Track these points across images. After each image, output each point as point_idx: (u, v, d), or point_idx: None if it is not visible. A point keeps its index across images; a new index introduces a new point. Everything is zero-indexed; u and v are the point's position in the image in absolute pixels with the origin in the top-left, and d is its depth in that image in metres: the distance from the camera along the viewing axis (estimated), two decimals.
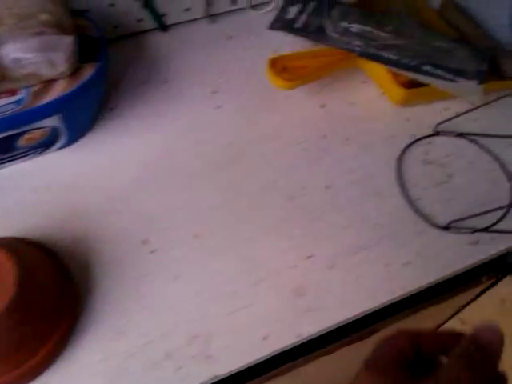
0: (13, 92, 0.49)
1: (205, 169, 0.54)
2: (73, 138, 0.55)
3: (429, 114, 0.61)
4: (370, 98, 0.62)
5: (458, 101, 0.61)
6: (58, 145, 0.54)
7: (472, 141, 0.58)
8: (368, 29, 0.59)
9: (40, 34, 0.48)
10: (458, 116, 0.59)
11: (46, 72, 0.48)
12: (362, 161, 0.56)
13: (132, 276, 0.46)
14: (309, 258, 0.49)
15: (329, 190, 0.54)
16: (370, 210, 0.52)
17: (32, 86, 0.50)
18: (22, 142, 0.51)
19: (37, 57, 0.47)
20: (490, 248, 0.50)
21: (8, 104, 0.49)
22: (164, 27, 0.66)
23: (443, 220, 0.51)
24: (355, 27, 0.60)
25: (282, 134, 0.58)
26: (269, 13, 0.69)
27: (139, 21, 0.64)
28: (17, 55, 0.47)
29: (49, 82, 0.50)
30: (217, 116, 0.59)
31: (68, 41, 0.49)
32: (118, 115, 0.58)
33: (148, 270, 0.46)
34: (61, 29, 0.50)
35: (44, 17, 0.50)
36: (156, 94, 0.60)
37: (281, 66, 0.58)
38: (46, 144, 0.53)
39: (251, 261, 0.48)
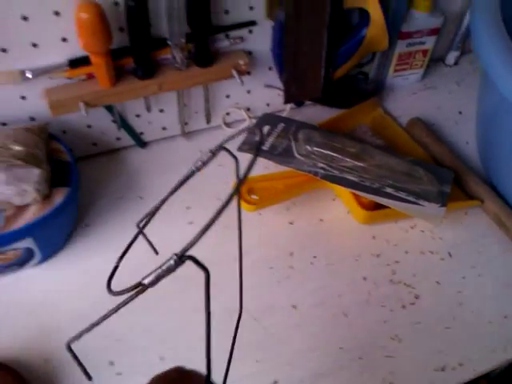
0: None
1: (172, 289, 0.55)
2: (46, 256, 0.56)
3: (395, 232, 0.62)
4: (339, 215, 0.64)
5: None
6: (31, 263, 0.55)
7: (442, 259, 0.59)
8: (331, 152, 0.62)
9: (9, 167, 0.50)
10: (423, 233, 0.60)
11: (17, 201, 0.50)
12: (329, 280, 0.56)
13: None
14: (275, 383, 0.48)
15: (295, 310, 0.54)
16: (336, 331, 0.52)
17: (4, 210, 0.51)
18: None
19: (7, 189, 0.50)
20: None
21: None
22: (142, 144, 0.69)
23: (414, 344, 0.51)
24: (318, 150, 0.62)
25: (250, 252, 0.59)
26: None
27: (118, 139, 0.67)
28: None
29: (21, 207, 0.52)
30: (189, 232, 0.60)
31: (35, 173, 0.51)
32: (93, 232, 0.60)
33: None
34: (29, 159, 0.52)
35: (15, 148, 0.52)
36: (131, 210, 0.62)
37: (247, 189, 0.60)
38: (19, 263, 0.55)
39: None
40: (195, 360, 0.47)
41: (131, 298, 0.24)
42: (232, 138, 0.30)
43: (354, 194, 0.59)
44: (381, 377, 0.50)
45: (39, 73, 0.55)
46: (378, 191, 0.58)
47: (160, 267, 0.24)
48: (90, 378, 0.27)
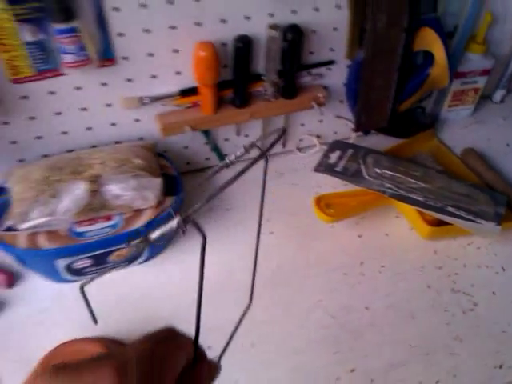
0: (108, 218, 0.61)
1: (260, 286, 0.63)
2: (152, 256, 0.66)
3: (454, 248, 0.70)
4: (402, 231, 0.72)
5: (478, 237, 0.70)
6: (139, 260, 0.65)
7: (496, 273, 0.67)
8: (398, 174, 0.71)
9: (135, 176, 0.60)
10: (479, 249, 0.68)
11: (139, 205, 0.60)
12: (397, 286, 0.64)
13: None
14: (352, 371, 0.55)
15: (368, 311, 0.61)
16: (405, 330, 0.59)
17: (125, 213, 0.61)
18: (112, 257, 0.62)
19: (133, 194, 0.60)
20: None
21: (105, 227, 0.60)
22: (226, 164, 0.79)
23: (473, 344, 0.58)
24: (387, 172, 0.71)
25: (325, 260, 0.67)
26: (313, 155, 0.82)
27: (207, 159, 0.78)
28: (117, 192, 0.60)
29: (138, 211, 0.62)
30: (270, 241, 0.70)
31: (157, 182, 0.61)
32: (187, 237, 0.69)
33: None
34: (150, 171, 0.63)
35: (137, 161, 0.63)
36: (219, 220, 0.72)
37: (324, 203, 0.69)
38: (130, 260, 0.64)
39: (300, 371, 0.55)
40: (279, 349, 0.56)
41: (138, 247, 0.27)
42: (264, 138, 0.37)
43: (419, 212, 0.68)
44: (445, 370, 0.56)
45: (154, 100, 0.66)
46: (441, 210, 0.66)
47: (165, 226, 0.27)
48: (95, 322, 0.32)
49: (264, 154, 0.30)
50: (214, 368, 0.32)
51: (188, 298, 0.61)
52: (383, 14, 0.61)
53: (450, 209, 0.66)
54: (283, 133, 0.32)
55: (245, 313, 0.40)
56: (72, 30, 0.54)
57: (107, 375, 0.24)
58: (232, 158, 0.35)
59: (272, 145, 0.30)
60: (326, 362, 0.56)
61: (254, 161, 0.30)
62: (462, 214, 0.66)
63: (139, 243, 0.28)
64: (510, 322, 0.61)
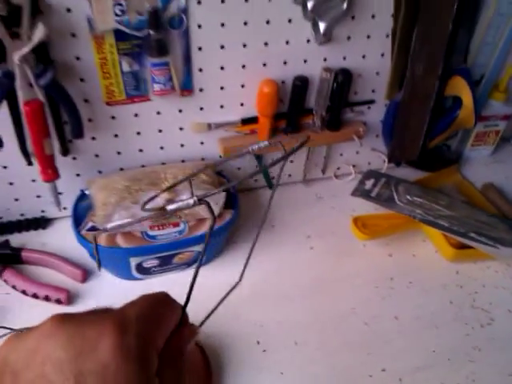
0: (175, 224, 0.71)
1: (300, 294, 0.72)
2: (209, 260, 0.75)
3: (474, 270, 0.78)
4: (428, 253, 0.80)
5: (497, 261, 0.78)
6: (196, 264, 0.74)
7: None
8: (426, 202, 0.80)
9: (204, 189, 0.71)
10: (497, 272, 0.77)
11: (204, 214, 0.70)
12: (423, 300, 0.73)
13: (248, 367, 0.62)
14: (383, 370, 0.64)
15: (397, 320, 0.70)
16: (430, 338, 0.67)
17: (189, 221, 0.71)
18: (175, 260, 0.71)
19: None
20: None
21: (173, 232, 0.70)
22: (271, 186, 0.89)
23: (490, 354, 0.66)
24: (417, 200, 0.81)
25: (359, 273, 0.76)
26: (348, 182, 0.92)
27: (255, 180, 0.88)
28: (189, 202, 0.70)
29: (200, 220, 0.72)
30: (310, 255, 0.79)
31: (221, 195, 0.71)
32: (238, 247, 0.79)
33: (260, 365, 0.62)
34: (214, 186, 0.73)
35: (204, 177, 0.73)
36: (266, 236, 0.81)
37: (361, 223, 0.79)
38: (189, 263, 0.73)
39: (337, 368, 0.63)
40: (320, 348, 0.64)
41: (155, 216, 0.35)
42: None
43: (445, 236, 0.77)
44: (464, 375, 0.64)
45: (219, 126, 0.77)
46: (465, 235, 0.75)
47: (182, 202, 0.30)
48: (99, 268, 0.38)
49: (287, 156, 0.33)
50: (194, 331, 0.34)
51: (233, 297, 0.70)
52: (421, 64, 0.72)
53: (472, 234, 0.75)
54: (307, 140, 0.37)
55: (232, 288, 0.43)
56: (164, 64, 0.65)
57: (108, 332, 0.26)
58: (255, 147, 0.42)
59: (296, 149, 0.33)
60: (359, 362, 0.64)
61: (277, 161, 0.33)
62: (482, 239, 0.75)
63: (158, 212, 0.32)
64: None
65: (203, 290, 0.72)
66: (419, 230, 0.82)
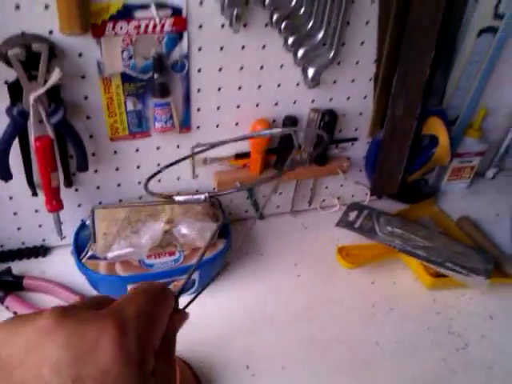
0: (171, 253, 0.75)
1: (288, 320, 0.77)
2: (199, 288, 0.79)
3: (450, 298, 0.83)
4: (408, 280, 0.86)
5: (471, 289, 0.84)
6: (191, 291, 0.78)
7: (485, 320, 0.80)
8: (405, 233, 0.86)
9: (199, 220, 0.75)
10: (471, 300, 0.82)
11: (199, 244, 0.75)
12: (403, 326, 0.78)
13: None
14: None
15: (378, 346, 0.75)
16: (409, 362, 0.72)
17: (185, 250, 0.76)
18: (171, 286, 0.75)
19: (196, 235, 0.74)
20: None
21: (169, 261, 0.74)
22: (262, 217, 0.94)
23: (466, 377, 0.71)
24: (397, 231, 0.86)
25: (343, 300, 0.81)
26: (333, 213, 0.97)
27: (246, 211, 0.93)
28: (184, 232, 0.74)
29: (195, 249, 0.76)
30: (297, 282, 0.84)
31: (215, 226, 0.76)
32: (230, 275, 0.83)
33: None
34: (209, 216, 0.78)
35: (199, 209, 0.78)
36: (254, 263, 0.86)
37: (345, 252, 0.84)
38: (183, 290, 0.77)
39: None
40: (307, 373, 0.69)
41: (159, 203, 0.35)
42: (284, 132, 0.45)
43: (423, 265, 0.82)
44: None
45: (213, 161, 0.82)
46: (441, 264, 0.81)
47: (192, 196, 0.30)
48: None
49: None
50: (184, 317, 0.34)
51: (227, 323, 0.74)
52: (401, 106, 0.79)
53: (448, 264, 0.81)
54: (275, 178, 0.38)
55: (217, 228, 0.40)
56: (166, 104, 0.70)
57: (108, 333, 0.25)
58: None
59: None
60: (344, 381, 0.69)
61: (269, 179, 0.36)
62: (457, 268, 0.80)
63: (165, 201, 0.34)
64: (494, 361, 0.74)
65: (195, 315, 0.76)
66: (399, 259, 0.87)
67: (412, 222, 0.91)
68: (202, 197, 0.30)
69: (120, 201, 0.82)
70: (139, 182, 0.81)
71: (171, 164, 0.43)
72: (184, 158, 0.42)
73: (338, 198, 0.99)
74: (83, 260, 0.73)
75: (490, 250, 0.90)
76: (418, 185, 1.02)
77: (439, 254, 0.82)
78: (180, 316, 0.34)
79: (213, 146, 0.51)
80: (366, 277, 0.86)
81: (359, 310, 0.80)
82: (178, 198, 0.31)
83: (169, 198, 0.32)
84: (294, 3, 0.64)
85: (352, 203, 0.94)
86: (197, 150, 0.45)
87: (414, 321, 0.79)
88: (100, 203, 0.81)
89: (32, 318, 0.26)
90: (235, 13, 0.62)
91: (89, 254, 0.75)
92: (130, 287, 0.62)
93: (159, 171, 0.42)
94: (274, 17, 0.64)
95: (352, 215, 0.91)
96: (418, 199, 0.99)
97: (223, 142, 0.48)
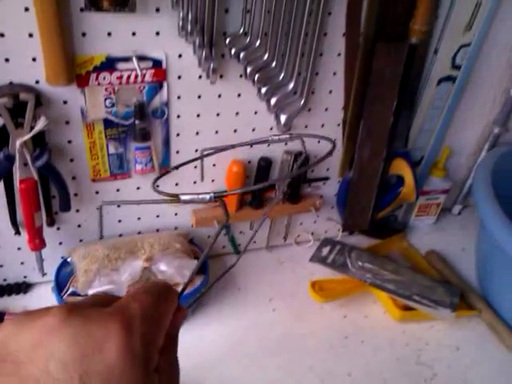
0: None
1: (264, 354, 0.79)
2: None
3: (419, 330, 0.87)
4: (378, 313, 0.90)
5: (439, 321, 0.88)
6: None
7: (452, 351, 0.84)
8: (375, 267, 0.90)
9: (177, 257, 0.79)
10: (439, 331, 0.86)
11: (177, 280, 0.78)
12: (374, 358, 0.81)
13: None
14: None
15: (349, 377, 0.78)
16: None
17: None
18: None
19: (174, 271, 0.77)
20: None
21: None
22: (238, 252, 0.97)
23: None
24: (367, 265, 0.90)
25: (317, 333, 0.84)
26: (307, 248, 1.01)
27: (223, 247, 0.96)
28: (163, 269, 0.77)
29: (176, 285, 0.79)
30: (273, 316, 0.87)
31: (193, 263, 0.79)
32: (207, 309, 0.86)
33: None
34: (187, 253, 0.81)
35: (177, 246, 0.81)
36: (232, 298, 0.89)
37: (318, 287, 0.88)
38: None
39: None
40: None
41: (165, 201, 0.33)
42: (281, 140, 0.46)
43: (392, 298, 0.86)
44: None
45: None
46: (409, 297, 0.85)
47: (198, 195, 0.30)
48: (102, 237, 0.39)
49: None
50: (184, 314, 0.34)
51: (204, 357, 0.77)
52: (367, 149, 0.84)
53: (416, 297, 0.85)
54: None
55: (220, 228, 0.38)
56: (146, 148, 0.74)
57: (114, 332, 0.26)
58: (275, 138, 0.45)
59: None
60: None
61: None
62: (424, 301, 0.85)
63: (172, 200, 0.32)
64: None
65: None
66: (370, 293, 0.91)
67: (382, 257, 0.95)
68: (208, 197, 0.31)
69: (100, 238, 0.85)
70: (119, 221, 0.84)
71: (181, 165, 0.44)
72: (192, 160, 0.45)
73: (312, 234, 1.03)
74: (64, 296, 0.76)
75: (456, 283, 0.94)
76: (387, 221, 1.07)
77: (407, 287, 0.87)
78: (180, 314, 0.34)
79: (221, 149, 0.53)
80: (339, 310, 0.89)
81: (332, 343, 0.83)
82: (183, 197, 0.32)
83: (175, 197, 0.32)
84: (266, 57, 0.69)
85: (325, 239, 0.98)
86: (205, 152, 0.48)
87: (384, 352, 0.83)
88: (81, 241, 0.84)
89: (40, 315, 0.26)
90: (211, 66, 0.67)
91: (70, 290, 0.77)
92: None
93: (167, 171, 0.43)
94: (248, 69, 0.69)
95: (325, 250, 0.95)
96: (388, 234, 1.04)
97: (232, 146, 0.51)
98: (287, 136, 0.42)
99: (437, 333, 0.87)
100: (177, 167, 0.44)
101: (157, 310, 0.29)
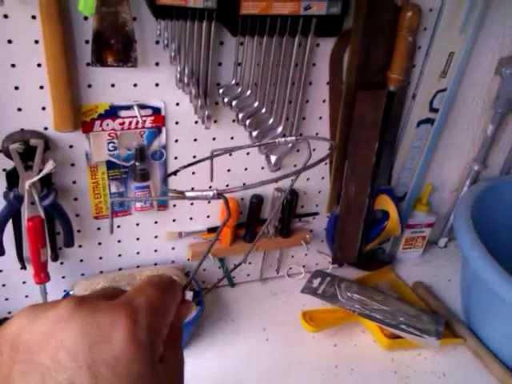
0: None
1: (257, 381, 0.83)
2: None
3: (406, 357, 0.91)
4: (367, 342, 0.93)
5: (426, 349, 0.92)
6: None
7: (438, 377, 0.88)
8: (364, 298, 0.94)
9: None
10: (426, 359, 0.90)
11: None
12: None
13: None
14: None
15: None
16: None
17: None
18: None
19: None
20: None
21: None
22: (233, 285, 1.02)
23: None
24: (356, 296, 0.95)
25: (308, 362, 0.88)
26: (299, 280, 1.06)
27: (218, 279, 1.01)
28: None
29: None
30: (266, 346, 0.90)
31: (190, 294, 0.83)
32: (200, 340, 0.89)
33: None
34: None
35: (175, 278, 0.85)
36: (226, 329, 0.93)
37: (309, 317, 0.92)
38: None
39: None
40: None
41: (172, 198, 0.36)
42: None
43: (380, 328, 0.90)
44: None
45: (188, 234, 0.91)
46: (396, 326, 0.89)
47: (202, 192, 0.32)
48: (112, 232, 0.42)
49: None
50: (189, 306, 0.36)
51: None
52: (353, 186, 0.90)
53: (403, 326, 0.89)
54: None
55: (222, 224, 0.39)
56: (145, 187, 0.80)
57: (120, 323, 0.27)
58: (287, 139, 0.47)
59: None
60: None
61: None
62: (411, 330, 0.89)
63: (177, 197, 0.33)
64: None
65: None
66: (359, 323, 0.95)
67: (370, 288, 0.99)
68: (211, 193, 0.32)
69: (101, 272, 0.89)
70: (119, 255, 0.89)
71: (190, 164, 0.47)
72: (202, 160, 0.48)
73: (303, 266, 1.08)
74: None
75: (443, 313, 0.98)
76: (375, 253, 1.12)
77: (394, 317, 0.91)
78: (186, 306, 0.35)
79: (230, 150, 0.57)
80: (330, 339, 0.93)
81: (323, 371, 0.87)
82: (188, 194, 0.33)
83: (181, 194, 0.33)
84: (256, 105, 0.75)
85: (316, 271, 1.03)
86: (215, 153, 0.52)
87: (373, 380, 0.86)
88: (83, 275, 0.89)
89: (51, 307, 0.28)
90: (206, 113, 0.73)
91: None
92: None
93: (177, 170, 0.45)
94: (240, 116, 0.75)
95: (316, 282, 0.99)
96: (377, 266, 1.09)
97: (239, 148, 0.55)
98: (293, 138, 0.45)
99: (424, 360, 0.91)
100: (185, 166, 0.48)
101: (162, 302, 0.31)
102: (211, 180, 0.76)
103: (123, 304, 0.28)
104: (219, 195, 0.32)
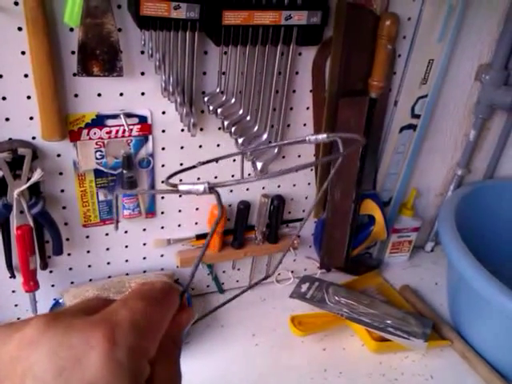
0: None
1: None
2: None
3: (394, 360, 0.92)
4: (356, 346, 0.94)
5: (413, 352, 0.93)
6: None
7: (426, 379, 0.89)
8: (352, 302, 0.96)
9: None
10: (414, 361, 0.91)
11: None
12: None
13: None
14: None
15: None
16: None
17: None
18: None
19: None
20: None
21: None
22: (222, 291, 1.03)
23: None
24: (344, 300, 0.96)
25: (298, 366, 0.89)
26: (288, 285, 1.07)
27: (207, 286, 1.02)
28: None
29: None
30: (255, 351, 0.91)
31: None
32: (189, 347, 0.90)
33: None
34: None
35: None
36: (215, 335, 0.93)
37: (297, 321, 0.93)
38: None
39: None
40: None
41: (166, 191, 0.36)
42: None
43: (368, 331, 0.91)
44: None
45: (177, 241, 0.92)
46: (384, 329, 0.90)
47: (194, 185, 0.31)
48: (117, 228, 0.41)
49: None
50: (191, 314, 0.33)
51: None
52: (338, 191, 0.92)
53: (390, 329, 0.90)
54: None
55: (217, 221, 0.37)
56: (133, 195, 0.81)
57: (97, 343, 0.24)
58: (312, 138, 0.44)
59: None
60: None
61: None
62: (398, 333, 0.90)
63: (171, 190, 0.32)
64: None
65: None
66: (347, 326, 0.96)
67: (357, 292, 1.01)
68: (202, 188, 0.31)
69: (90, 280, 0.90)
70: (108, 263, 0.89)
71: (208, 161, 0.46)
72: (232, 155, 0.48)
73: (292, 272, 1.09)
74: None
75: (429, 316, 1.00)
76: (363, 258, 1.13)
77: (381, 320, 0.92)
78: (186, 315, 0.32)
79: (259, 148, 0.58)
80: (318, 344, 0.94)
81: (312, 375, 0.88)
82: (181, 188, 0.32)
83: (174, 187, 0.33)
84: (241, 112, 0.77)
85: (304, 276, 1.04)
86: (245, 150, 0.51)
87: (362, 383, 0.87)
88: (72, 283, 0.89)
89: (19, 327, 0.25)
90: (192, 121, 0.74)
91: None
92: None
93: (184, 169, 0.44)
94: (225, 123, 0.76)
95: (304, 287, 1.01)
96: (364, 271, 1.10)
97: (269, 146, 0.56)
98: (324, 136, 0.42)
99: (411, 363, 0.92)
100: (202, 163, 0.47)
101: (149, 316, 0.27)
102: (241, 176, 0.75)
103: (102, 321, 0.25)
104: (211, 189, 0.31)
